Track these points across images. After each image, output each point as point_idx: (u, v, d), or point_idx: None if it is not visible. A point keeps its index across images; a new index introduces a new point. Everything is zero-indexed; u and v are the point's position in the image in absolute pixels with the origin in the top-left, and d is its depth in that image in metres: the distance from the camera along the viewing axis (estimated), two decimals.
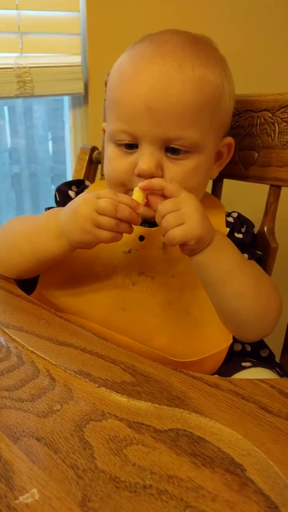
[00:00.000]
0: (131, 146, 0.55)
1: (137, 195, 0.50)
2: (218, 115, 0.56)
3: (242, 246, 0.57)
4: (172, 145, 0.53)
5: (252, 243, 0.61)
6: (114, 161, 0.56)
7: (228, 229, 0.60)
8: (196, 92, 0.52)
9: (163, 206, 0.48)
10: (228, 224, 0.60)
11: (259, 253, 0.61)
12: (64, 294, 0.58)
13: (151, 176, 0.52)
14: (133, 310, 0.56)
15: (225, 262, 0.51)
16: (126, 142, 0.55)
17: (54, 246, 0.54)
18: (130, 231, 0.51)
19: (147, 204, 0.51)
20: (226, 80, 0.56)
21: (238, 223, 0.61)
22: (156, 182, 0.49)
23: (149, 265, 0.57)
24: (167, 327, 0.56)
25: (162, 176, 0.53)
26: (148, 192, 0.50)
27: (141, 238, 0.57)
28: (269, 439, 0.32)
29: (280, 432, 0.33)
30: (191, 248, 0.49)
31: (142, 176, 0.53)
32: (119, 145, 0.56)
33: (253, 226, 0.63)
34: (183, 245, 0.49)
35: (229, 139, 0.59)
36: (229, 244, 0.53)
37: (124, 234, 0.56)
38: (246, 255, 0.58)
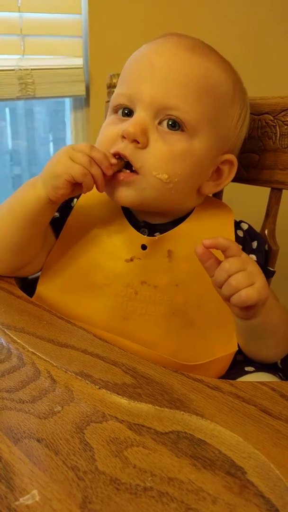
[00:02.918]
0: (127, 114, 0.54)
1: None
2: (222, 117, 0.55)
3: None
4: (167, 115, 0.51)
5: (265, 262, 0.61)
6: (105, 128, 0.56)
7: (240, 247, 0.58)
8: (202, 74, 0.52)
9: (231, 264, 0.44)
10: (238, 239, 0.59)
11: (272, 269, 0.61)
12: (61, 303, 0.57)
13: (135, 141, 0.51)
14: (135, 320, 0.55)
15: (272, 320, 0.51)
16: (122, 105, 0.54)
17: (29, 195, 0.53)
18: (101, 180, 0.51)
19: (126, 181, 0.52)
20: (239, 99, 0.56)
21: (249, 239, 0.60)
22: (221, 241, 0.45)
23: (152, 274, 0.55)
24: (170, 338, 0.55)
25: (146, 146, 0.51)
26: (203, 258, 0.46)
27: (144, 247, 0.56)
28: (270, 442, 0.32)
29: (280, 435, 0.33)
30: (256, 310, 0.46)
31: (126, 137, 0.51)
32: (115, 112, 0.55)
33: (264, 242, 0.62)
34: (249, 308, 0.46)
35: (231, 156, 0.57)
36: (272, 295, 0.52)
37: (126, 242, 0.56)
38: None
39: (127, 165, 0.52)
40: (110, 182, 0.53)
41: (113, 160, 0.51)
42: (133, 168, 0.52)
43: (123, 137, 0.52)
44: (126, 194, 0.53)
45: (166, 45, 0.54)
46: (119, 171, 0.52)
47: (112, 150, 0.52)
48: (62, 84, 1.03)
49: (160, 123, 0.52)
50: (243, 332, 0.54)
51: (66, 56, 1.04)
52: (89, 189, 0.52)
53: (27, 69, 0.97)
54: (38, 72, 0.99)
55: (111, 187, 0.54)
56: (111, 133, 0.54)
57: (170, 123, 0.52)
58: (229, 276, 0.44)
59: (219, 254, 0.46)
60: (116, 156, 0.52)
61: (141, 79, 0.52)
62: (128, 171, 0.52)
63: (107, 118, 0.57)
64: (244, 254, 0.46)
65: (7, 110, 1.23)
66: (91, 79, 1.06)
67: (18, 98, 0.99)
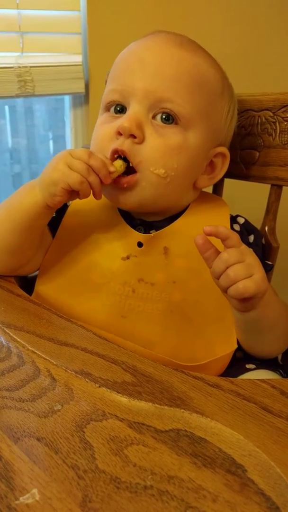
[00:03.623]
0: (120, 111, 0.54)
1: (117, 164, 0.51)
2: (213, 111, 0.55)
3: None
4: (161, 109, 0.51)
5: (263, 255, 0.61)
6: (99, 127, 0.55)
7: (239, 238, 0.58)
8: (192, 68, 0.52)
9: (230, 255, 0.44)
10: None
11: (270, 263, 0.61)
12: (60, 302, 0.56)
13: (131, 135, 0.51)
14: (133, 318, 0.55)
15: (270, 313, 0.50)
16: (115, 101, 0.54)
17: (27, 199, 0.53)
18: (98, 188, 0.50)
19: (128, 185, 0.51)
20: (227, 93, 0.57)
21: (245, 233, 0.60)
22: (222, 230, 0.45)
23: (149, 272, 0.55)
24: (169, 335, 0.55)
25: (142, 141, 0.51)
26: (202, 249, 0.46)
27: (140, 244, 0.56)
28: (270, 439, 0.32)
29: (281, 433, 0.33)
30: (254, 302, 0.46)
31: (122, 132, 0.51)
32: (107, 110, 0.55)
33: (261, 236, 0.61)
34: (247, 300, 0.45)
35: (223, 148, 0.57)
36: (271, 289, 0.52)
37: (122, 240, 0.56)
38: None
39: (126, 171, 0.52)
40: (110, 186, 0.52)
41: (112, 168, 0.50)
42: (131, 165, 0.52)
43: (119, 133, 0.51)
44: (127, 199, 0.53)
45: (155, 41, 0.54)
46: (119, 177, 0.52)
47: (110, 148, 0.52)
48: (62, 82, 1.03)
49: (154, 117, 0.52)
50: (242, 326, 0.54)
51: (65, 53, 1.03)
52: (86, 196, 0.52)
53: (26, 67, 0.97)
54: (37, 69, 0.99)
55: (111, 192, 0.54)
56: (105, 131, 0.54)
57: (164, 116, 0.52)
58: (227, 267, 0.44)
59: (219, 245, 0.46)
60: (115, 155, 0.51)
61: (133, 74, 0.52)
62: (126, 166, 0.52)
63: (99, 117, 0.57)
64: (243, 245, 0.46)
65: (6, 108, 1.23)
66: (90, 76, 1.06)
67: (17, 96, 0.99)
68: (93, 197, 0.52)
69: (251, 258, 0.45)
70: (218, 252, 0.45)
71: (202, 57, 0.54)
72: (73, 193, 0.51)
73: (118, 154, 0.52)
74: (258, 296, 0.45)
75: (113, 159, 0.52)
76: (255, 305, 0.47)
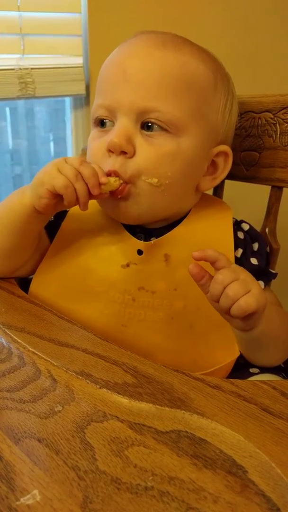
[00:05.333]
0: (109, 124, 0.53)
1: (112, 179, 0.50)
2: (207, 109, 0.53)
3: (258, 272, 0.54)
4: (148, 119, 0.50)
5: (267, 264, 0.60)
6: (91, 143, 0.55)
7: (241, 250, 0.57)
8: (178, 70, 0.51)
9: (224, 275, 0.44)
10: (238, 241, 0.57)
11: (274, 272, 0.60)
12: (55, 310, 0.55)
13: (121, 151, 0.50)
14: (134, 327, 0.54)
15: (273, 327, 0.50)
16: (103, 117, 0.53)
17: (16, 202, 0.53)
18: (84, 198, 0.49)
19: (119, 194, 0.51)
20: (222, 86, 0.55)
21: (249, 241, 0.59)
22: (210, 253, 0.44)
23: (149, 280, 0.54)
24: (170, 343, 0.54)
25: (133, 155, 0.50)
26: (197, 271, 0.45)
27: (140, 252, 0.55)
28: (271, 440, 0.32)
29: (282, 434, 0.33)
30: (256, 318, 0.45)
31: (112, 149, 0.50)
32: (97, 125, 0.55)
33: (266, 244, 0.61)
34: (250, 316, 0.44)
35: (224, 147, 0.55)
36: (273, 299, 0.52)
37: (121, 248, 0.55)
38: (262, 282, 0.56)
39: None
40: (107, 200, 0.52)
41: (103, 179, 0.49)
42: (124, 180, 0.51)
43: (110, 150, 0.51)
44: (126, 211, 0.53)
45: (137, 45, 0.53)
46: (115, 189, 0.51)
47: (104, 166, 0.51)
48: (62, 83, 1.03)
49: (142, 127, 0.51)
50: (244, 344, 0.53)
51: (66, 55, 1.04)
52: (71, 204, 0.50)
53: (27, 69, 0.97)
54: (38, 71, 0.99)
55: (111, 206, 0.53)
56: (97, 148, 0.53)
57: (152, 125, 0.51)
58: (225, 288, 0.44)
59: (208, 267, 0.46)
60: (113, 175, 0.51)
61: (116, 87, 0.51)
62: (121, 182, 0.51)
63: (91, 131, 0.56)
64: (233, 264, 0.46)
65: (7, 109, 1.23)
66: (91, 78, 1.06)
67: (18, 98, 0.99)
68: (91, 202, 0.51)
69: (245, 275, 0.45)
70: (212, 277, 0.45)
71: (188, 55, 0.52)
72: (61, 200, 0.50)
73: (116, 175, 0.51)
74: (260, 311, 0.45)
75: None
76: (258, 320, 0.46)
